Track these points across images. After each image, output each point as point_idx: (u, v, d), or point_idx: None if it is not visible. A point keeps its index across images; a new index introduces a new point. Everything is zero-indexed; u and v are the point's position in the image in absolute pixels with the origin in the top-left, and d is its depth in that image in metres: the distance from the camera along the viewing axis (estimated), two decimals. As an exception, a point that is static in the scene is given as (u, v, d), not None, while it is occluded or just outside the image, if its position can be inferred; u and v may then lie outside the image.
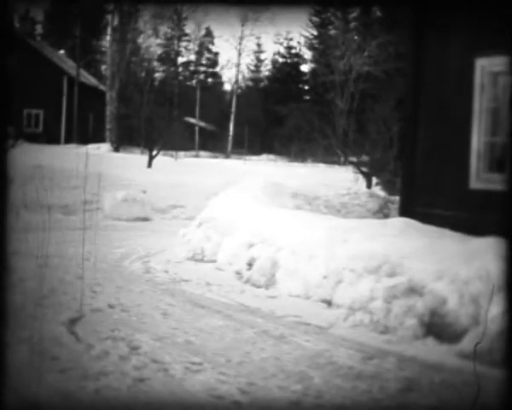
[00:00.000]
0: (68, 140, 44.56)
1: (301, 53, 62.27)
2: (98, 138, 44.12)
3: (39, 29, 63.28)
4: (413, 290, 5.72)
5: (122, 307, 6.04)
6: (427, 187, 9.04)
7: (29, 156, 19.92)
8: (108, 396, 3.92)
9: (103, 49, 61.19)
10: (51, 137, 41.73)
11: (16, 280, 6.84)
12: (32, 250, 8.89)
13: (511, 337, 4.41)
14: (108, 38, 44.46)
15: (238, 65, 57.88)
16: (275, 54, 63.08)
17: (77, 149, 36.54)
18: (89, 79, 52.67)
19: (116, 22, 43.57)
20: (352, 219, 9.04)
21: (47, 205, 14.14)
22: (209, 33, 63.56)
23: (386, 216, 12.28)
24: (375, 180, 19.28)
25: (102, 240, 10.35)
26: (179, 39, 61.81)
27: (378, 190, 16.76)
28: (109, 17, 45.36)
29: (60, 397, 3.85)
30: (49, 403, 3.78)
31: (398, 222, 7.65)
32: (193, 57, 64.47)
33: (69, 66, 49.87)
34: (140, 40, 54.09)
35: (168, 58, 61.73)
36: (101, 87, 49.84)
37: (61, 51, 54.22)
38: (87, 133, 47.34)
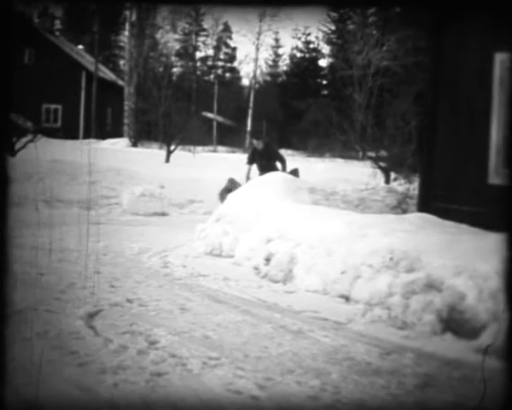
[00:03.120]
0: (87, 135, 44.77)
1: (319, 48, 62.16)
2: (116, 133, 44.33)
3: (58, 25, 63.53)
4: (431, 286, 5.69)
5: (140, 301, 6.06)
6: (445, 182, 9.00)
7: (47, 151, 20.02)
8: (126, 390, 3.93)
9: (122, 44, 61.44)
10: (70, 132, 41.94)
11: (35, 274, 6.88)
12: (51, 245, 8.95)
13: None
14: (127, 33, 44.66)
15: (256, 60, 57.85)
16: (293, 48, 63.00)
17: (95, 144, 36.72)
18: (107, 74, 52.87)
19: (134, 18, 43.73)
20: (370, 215, 9.02)
21: (65, 200, 14.23)
22: (227, 28, 63.57)
23: (405, 211, 12.23)
24: (393, 175, 19.21)
25: (120, 235, 10.40)
26: (197, 34, 61.90)
27: (396, 186, 16.69)
28: (127, 13, 45.52)
29: (78, 391, 3.88)
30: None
31: (417, 217, 7.62)
32: (211, 52, 64.52)
33: (87, 61, 50.10)
34: (158, 35, 54.26)
35: (186, 53, 61.84)
36: (120, 82, 50.05)
37: (80, 46, 54.50)
38: (105, 128, 47.56)
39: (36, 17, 51.12)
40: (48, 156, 17.55)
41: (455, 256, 5.86)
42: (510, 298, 4.93)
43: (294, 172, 12.52)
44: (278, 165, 12.55)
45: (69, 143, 34.00)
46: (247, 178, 12.66)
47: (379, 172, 20.00)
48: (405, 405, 4.08)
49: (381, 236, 6.68)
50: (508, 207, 5.55)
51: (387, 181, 19.11)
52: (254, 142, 13.01)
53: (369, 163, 22.13)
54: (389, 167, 19.58)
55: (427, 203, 8.98)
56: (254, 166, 12.80)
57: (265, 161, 12.55)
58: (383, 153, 21.02)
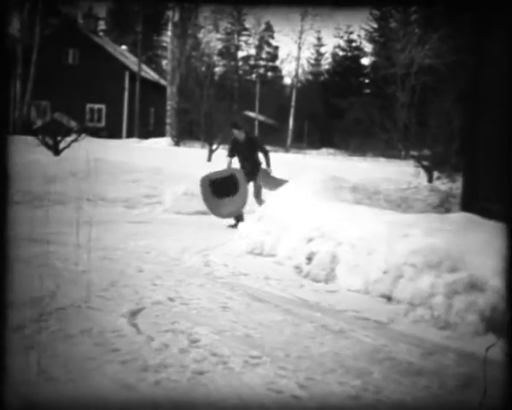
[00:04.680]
0: (130, 134, 45.18)
1: (361, 46, 61.86)
2: (158, 133, 44.62)
3: (102, 25, 64.19)
4: (474, 286, 5.64)
5: (182, 300, 6.09)
6: (488, 182, 8.89)
7: (91, 150, 20.23)
8: (168, 388, 3.96)
9: (164, 44, 61.91)
10: (113, 132, 42.39)
11: (78, 272, 6.96)
12: (94, 243, 9.05)
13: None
14: (169, 33, 44.92)
15: (298, 59, 57.82)
16: (335, 47, 62.82)
17: (138, 143, 37.03)
18: (150, 73, 53.27)
19: (177, 18, 43.98)
20: (413, 214, 8.95)
21: (108, 198, 14.36)
22: (269, 27, 63.64)
23: (448, 211, 12.10)
24: (436, 174, 19.03)
25: (162, 233, 10.46)
26: (239, 34, 62.06)
27: (439, 185, 16.53)
28: (170, 13, 45.80)
29: (121, 388, 3.91)
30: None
31: (459, 217, 7.54)
32: (253, 51, 64.67)
33: (131, 61, 50.54)
34: (200, 35, 54.50)
35: (228, 52, 62.04)
36: (162, 82, 50.40)
37: (123, 47, 54.99)
38: (148, 127, 47.90)
39: (80, 18, 51.71)
40: (91, 155, 17.74)
41: (497, 256, 5.79)
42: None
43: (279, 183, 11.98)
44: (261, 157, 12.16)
45: (112, 142, 34.36)
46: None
47: (421, 171, 19.83)
48: (446, 405, 4.05)
49: (423, 235, 6.63)
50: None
51: (430, 180, 18.94)
52: (235, 132, 12.18)
53: (411, 162, 21.96)
54: (432, 166, 19.41)
55: (469, 203, 8.88)
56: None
57: (248, 152, 12.10)
58: (426, 152, 20.84)
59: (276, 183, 12.08)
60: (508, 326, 4.79)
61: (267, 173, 12.22)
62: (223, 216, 11.87)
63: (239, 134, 12.10)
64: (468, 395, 4.15)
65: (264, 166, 12.13)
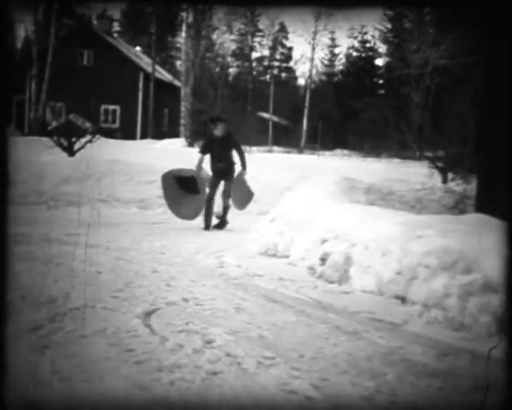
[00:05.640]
0: (144, 135, 45.27)
1: (376, 47, 61.74)
2: (173, 134, 44.69)
3: (116, 27, 64.44)
4: (488, 287, 5.63)
5: (196, 300, 6.10)
6: (502, 183, 8.86)
7: (106, 151, 20.31)
8: (182, 388, 3.98)
9: (178, 45, 62.02)
10: (127, 133, 42.49)
11: (93, 273, 6.99)
12: (109, 243, 9.10)
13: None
14: (183, 34, 44.95)
15: (312, 59, 57.75)
16: (349, 48, 62.68)
17: (152, 144, 37.10)
18: (164, 75, 53.38)
19: (191, 19, 44.01)
20: (426, 215, 8.93)
21: (123, 199, 14.42)
22: (283, 28, 63.58)
23: (462, 212, 12.06)
24: (450, 175, 18.97)
25: (177, 234, 10.49)
26: (253, 35, 62.04)
27: (454, 186, 16.47)
28: (184, 14, 45.87)
29: (135, 388, 3.93)
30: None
31: (474, 218, 7.51)
32: (267, 52, 64.62)
33: (145, 62, 50.67)
34: (214, 36, 54.63)
35: (242, 53, 62.07)
36: (176, 83, 50.50)
37: (138, 48, 55.15)
38: (162, 128, 47.98)
39: (94, 19, 51.93)
40: (106, 156, 17.81)
41: (513, 258, 5.77)
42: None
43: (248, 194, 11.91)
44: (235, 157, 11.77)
45: (127, 143, 34.44)
46: (199, 168, 11.63)
47: (436, 172, 19.78)
48: (461, 407, 4.05)
49: (438, 236, 6.61)
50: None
51: (445, 181, 18.88)
52: (216, 126, 11.54)
53: (425, 163, 21.89)
54: (446, 167, 19.35)
55: (484, 204, 8.85)
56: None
57: (223, 151, 11.52)
58: (440, 153, 20.77)
59: (244, 195, 11.91)
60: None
61: (241, 178, 11.89)
62: (179, 216, 11.58)
63: (219, 129, 11.54)
64: (482, 397, 4.14)
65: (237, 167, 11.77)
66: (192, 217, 11.43)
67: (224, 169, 11.67)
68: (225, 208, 11.79)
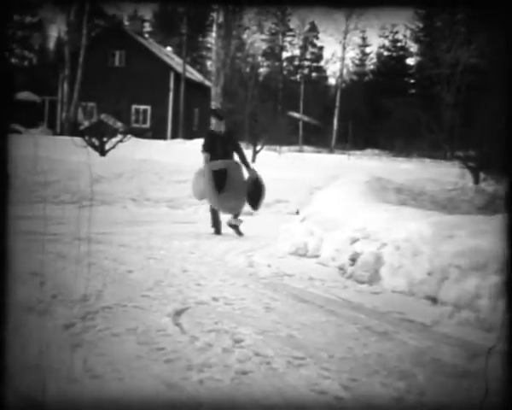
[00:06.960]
0: (174, 135, 45.46)
1: (407, 46, 61.42)
2: (203, 133, 44.77)
3: (147, 27, 64.80)
4: (521, 289, 5.57)
5: (225, 300, 6.11)
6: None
7: (136, 151, 20.44)
8: (211, 388, 3.98)
9: (209, 45, 62.23)
10: (158, 133, 42.68)
11: (124, 272, 7.04)
12: (140, 243, 9.15)
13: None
14: (214, 34, 44.98)
15: (343, 59, 57.66)
16: (380, 47, 62.45)
17: (182, 144, 37.25)
18: (195, 74, 53.56)
19: (221, 19, 44.06)
20: (457, 215, 8.87)
21: (153, 198, 14.49)
22: (313, 28, 63.48)
23: (494, 212, 11.96)
24: (482, 175, 18.82)
25: (207, 234, 10.51)
26: (284, 35, 62.06)
27: (485, 186, 16.34)
28: (215, 14, 45.97)
29: (165, 387, 3.95)
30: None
31: (505, 219, 7.45)
32: (297, 52, 64.60)
33: (176, 62, 50.88)
34: (245, 36, 54.74)
35: (272, 53, 62.10)
36: (207, 83, 50.62)
37: (168, 48, 55.42)
38: (192, 128, 48.12)
39: (126, 20, 52.27)
40: (137, 156, 17.92)
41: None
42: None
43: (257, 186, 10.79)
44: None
45: (157, 143, 34.61)
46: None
47: (467, 172, 19.63)
48: (490, 408, 4.01)
49: (469, 237, 6.56)
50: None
51: (476, 181, 18.73)
52: (214, 122, 10.71)
53: (457, 163, 21.74)
54: (478, 167, 19.20)
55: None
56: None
57: (225, 148, 10.61)
58: (471, 152, 20.62)
59: (255, 194, 10.90)
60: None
61: (254, 176, 10.90)
62: (226, 210, 10.74)
63: (218, 125, 10.71)
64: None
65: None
66: (236, 210, 10.77)
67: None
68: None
